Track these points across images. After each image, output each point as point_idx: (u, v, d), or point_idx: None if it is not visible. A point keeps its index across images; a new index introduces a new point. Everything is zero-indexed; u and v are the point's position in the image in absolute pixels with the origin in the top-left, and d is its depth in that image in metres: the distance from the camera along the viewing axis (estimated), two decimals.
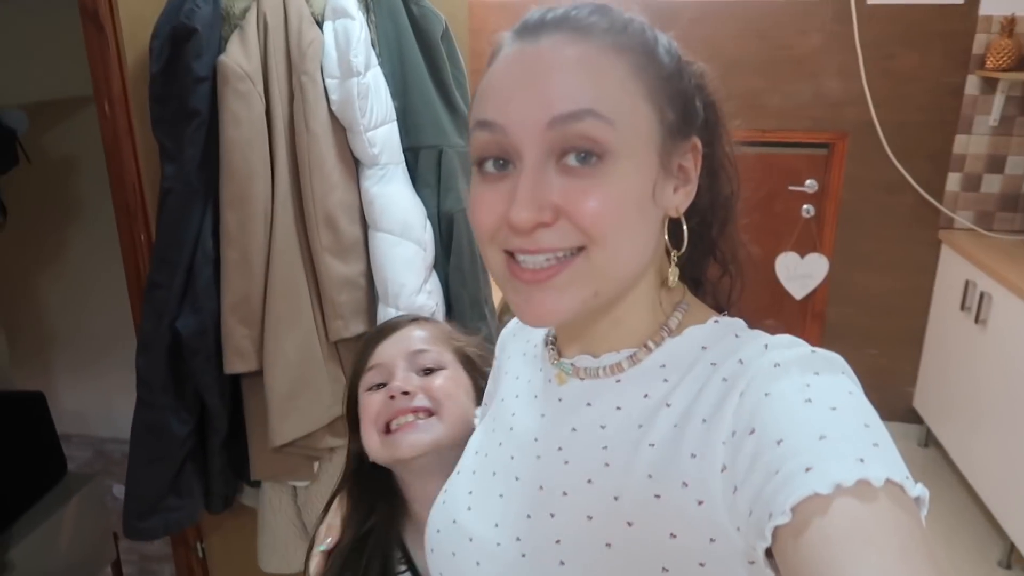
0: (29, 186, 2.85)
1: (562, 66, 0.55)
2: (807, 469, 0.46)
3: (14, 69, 2.58)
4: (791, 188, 2.70)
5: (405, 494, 0.92)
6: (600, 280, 0.58)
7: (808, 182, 2.68)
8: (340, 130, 1.54)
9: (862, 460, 0.45)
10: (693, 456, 0.55)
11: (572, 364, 0.67)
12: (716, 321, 0.64)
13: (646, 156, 0.57)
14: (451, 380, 0.89)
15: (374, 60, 1.53)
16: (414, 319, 0.97)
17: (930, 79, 2.51)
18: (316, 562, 0.87)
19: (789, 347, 0.57)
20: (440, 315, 1.66)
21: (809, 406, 0.50)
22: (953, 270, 2.57)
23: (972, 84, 2.51)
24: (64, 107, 2.77)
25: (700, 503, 0.54)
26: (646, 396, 0.61)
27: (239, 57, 1.44)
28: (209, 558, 1.95)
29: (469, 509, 0.70)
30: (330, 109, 1.51)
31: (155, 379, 1.53)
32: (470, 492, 0.71)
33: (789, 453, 0.48)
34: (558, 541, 0.60)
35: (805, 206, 2.71)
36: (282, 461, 1.65)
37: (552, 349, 0.71)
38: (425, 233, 1.62)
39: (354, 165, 1.58)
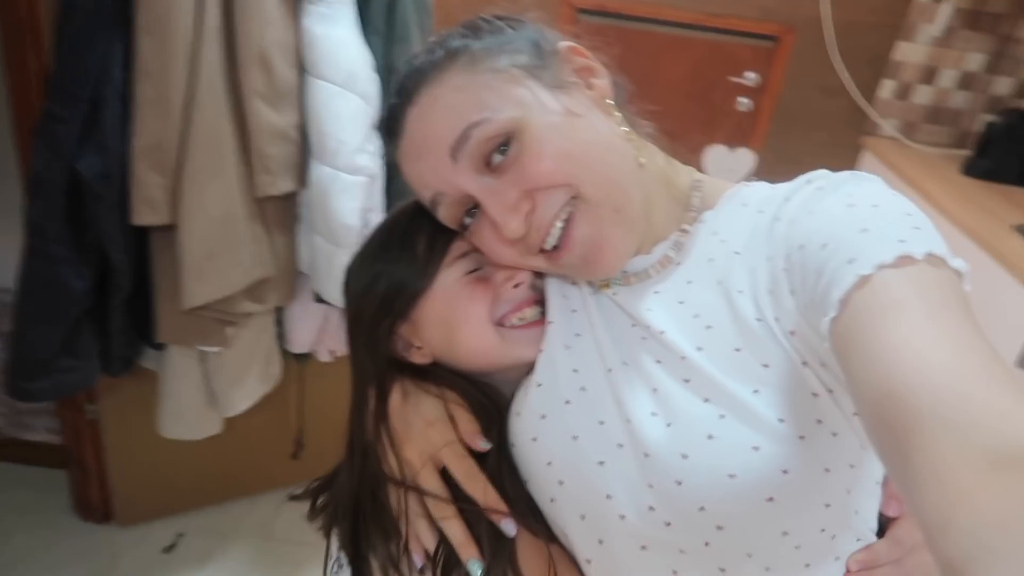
0: None
1: (428, 121, 0.61)
2: (850, 260, 0.48)
3: None
4: (731, 79, 2.64)
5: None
6: (608, 200, 0.61)
7: (749, 74, 2.62)
8: None
9: (903, 240, 0.48)
10: (770, 292, 0.58)
11: (624, 272, 0.68)
12: (746, 184, 0.68)
13: (536, 102, 0.60)
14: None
15: None
16: None
17: None
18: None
19: (830, 175, 0.61)
20: (379, 183, 1.52)
21: (851, 208, 0.53)
22: None
23: None
24: None
25: (792, 333, 0.56)
26: (711, 260, 0.64)
27: None
28: (102, 421, 1.81)
29: (583, 390, 0.65)
30: None
31: (50, 227, 1.33)
32: (575, 371, 0.67)
33: (834, 251, 0.50)
34: (707, 399, 0.58)
35: (742, 99, 2.66)
36: (193, 324, 1.50)
37: None
38: (371, 86, 1.45)
39: None
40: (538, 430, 0.66)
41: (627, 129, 0.65)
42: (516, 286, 0.70)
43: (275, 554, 1.95)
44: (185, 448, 1.76)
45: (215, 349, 1.58)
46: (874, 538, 0.65)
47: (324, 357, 1.84)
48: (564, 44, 0.65)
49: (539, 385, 0.68)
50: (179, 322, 1.50)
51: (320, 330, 1.77)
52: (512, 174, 0.59)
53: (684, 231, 0.66)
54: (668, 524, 0.58)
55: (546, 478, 0.65)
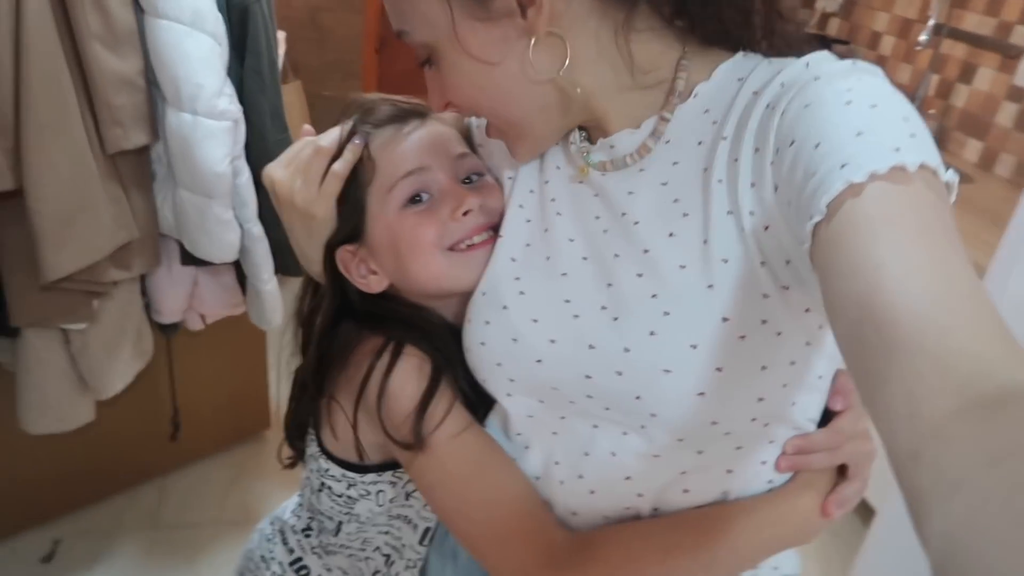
0: None
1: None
2: (843, 165, 0.45)
3: None
4: None
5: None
6: (510, 130, 0.66)
7: None
8: None
9: (898, 149, 0.45)
10: (752, 185, 0.55)
11: (611, 145, 0.64)
12: (744, 54, 0.62)
13: (449, 36, 0.59)
14: (495, 186, 0.76)
15: None
16: (418, 111, 0.77)
17: None
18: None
19: (830, 61, 0.56)
20: (241, 127, 1.46)
21: (848, 107, 0.50)
22: None
23: None
24: None
25: (766, 228, 0.54)
26: (700, 143, 0.60)
27: None
28: None
29: (522, 294, 0.67)
30: None
31: None
32: (517, 278, 0.68)
33: (827, 153, 0.47)
34: (655, 295, 0.59)
35: None
36: (54, 300, 1.38)
37: (580, 141, 0.68)
38: (220, 25, 1.39)
39: None
40: (485, 335, 0.69)
41: (559, 65, 0.59)
42: (465, 214, 0.71)
43: (167, 543, 1.85)
44: (48, 445, 1.61)
45: (80, 326, 1.46)
46: (813, 428, 0.66)
47: (195, 325, 1.74)
48: None
49: (483, 294, 0.70)
50: (37, 300, 1.37)
51: (189, 296, 1.67)
52: (444, 84, 0.64)
53: (664, 119, 0.62)
54: (607, 409, 0.62)
55: (497, 378, 0.69)
